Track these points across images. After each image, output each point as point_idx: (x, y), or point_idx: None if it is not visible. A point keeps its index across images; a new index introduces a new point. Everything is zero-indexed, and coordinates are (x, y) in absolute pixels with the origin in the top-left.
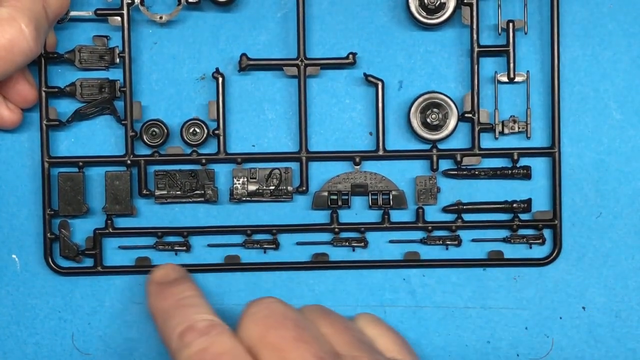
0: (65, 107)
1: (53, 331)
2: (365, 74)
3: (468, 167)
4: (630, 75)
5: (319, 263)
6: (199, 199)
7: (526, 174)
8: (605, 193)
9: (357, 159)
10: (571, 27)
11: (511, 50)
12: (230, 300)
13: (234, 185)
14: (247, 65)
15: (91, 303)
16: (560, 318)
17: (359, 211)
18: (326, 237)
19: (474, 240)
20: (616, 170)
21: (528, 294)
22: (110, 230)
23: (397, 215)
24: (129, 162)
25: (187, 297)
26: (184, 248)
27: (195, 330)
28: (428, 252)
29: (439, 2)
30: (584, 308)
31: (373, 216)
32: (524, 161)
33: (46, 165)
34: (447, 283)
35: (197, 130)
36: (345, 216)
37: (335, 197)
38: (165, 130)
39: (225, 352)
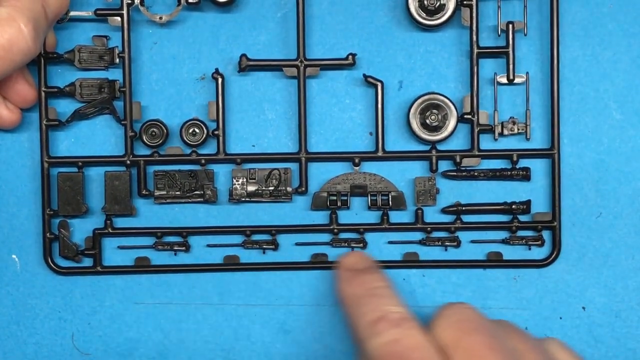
0: (65, 107)
1: (53, 331)
2: (364, 75)
3: (467, 168)
4: (630, 75)
5: (318, 263)
6: (198, 199)
7: (525, 176)
8: (605, 193)
9: (357, 160)
10: (571, 27)
11: (511, 52)
12: (230, 300)
13: (234, 186)
14: (246, 65)
15: (91, 303)
16: (560, 318)
17: (358, 212)
18: (325, 237)
19: (473, 242)
20: (616, 170)
21: (528, 294)
22: (110, 230)
23: (396, 216)
24: (128, 162)
25: (379, 287)
26: (183, 248)
27: (387, 321)
28: (427, 253)
29: (438, 4)
30: (584, 308)
31: (372, 217)
32: (523, 162)
33: (46, 165)
34: (447, 283)
35: (197, 130)
36: (345, 217)
37: (334, 197)
38: (165, 131)
39: (416, 348)
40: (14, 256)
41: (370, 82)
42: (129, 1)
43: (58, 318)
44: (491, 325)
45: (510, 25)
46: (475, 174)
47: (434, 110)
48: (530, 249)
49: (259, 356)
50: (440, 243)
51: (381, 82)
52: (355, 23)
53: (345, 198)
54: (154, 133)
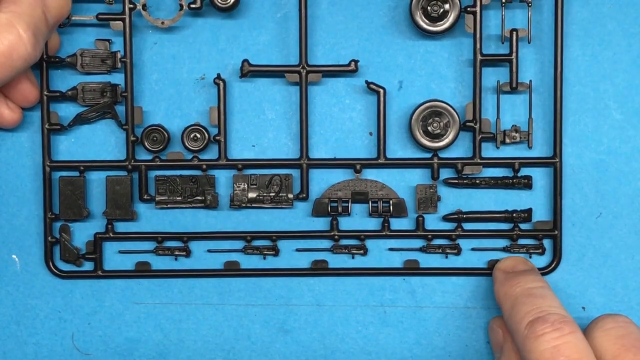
0: (67, 110)
1: (53, 331)
2: (367, 82)
3: (469, 176)
4: (630, 75)
5: (319, 270)
6: (199, 205)
7: (527, 184)
8: (605, 193)
9: (358, 167)
10: (571, 27)
11: (514, 60)
12: (230, 300)
13: (234, 192)
14: (248, 71)
15: (91, 303)
16: None
17: (359, 218)
18: (326, 244)
19: (473, 249)
20: (616, 170)
21: None
22: (111, 235)
23: (397, 223)
24: (129, 167)
25: (536, 288)
26: (184, 253)
27: (546, 322)
28: (428, 260)
29: (441, 10)
30: (584, 308)
31: (373, 224)
32: (525, 170)
33: (47, 169)
34: (447, 283)
35: (198, 135)
36: (345, 223)
37: (335, 204)
38: (166, 136)
39: (579, 359)
40: (14, 256)
41: (372, 88)
42: (131, 6)
43: (58, 318)
44: None
45: (514, 33)
46: (477, 181)
47: (436, 118)
48: (531, 257)
49: (259, 356)
50: (440, 250)
51: (383, 88)
52: (357, 27)
53: (346, 204)
54: (155, 138)
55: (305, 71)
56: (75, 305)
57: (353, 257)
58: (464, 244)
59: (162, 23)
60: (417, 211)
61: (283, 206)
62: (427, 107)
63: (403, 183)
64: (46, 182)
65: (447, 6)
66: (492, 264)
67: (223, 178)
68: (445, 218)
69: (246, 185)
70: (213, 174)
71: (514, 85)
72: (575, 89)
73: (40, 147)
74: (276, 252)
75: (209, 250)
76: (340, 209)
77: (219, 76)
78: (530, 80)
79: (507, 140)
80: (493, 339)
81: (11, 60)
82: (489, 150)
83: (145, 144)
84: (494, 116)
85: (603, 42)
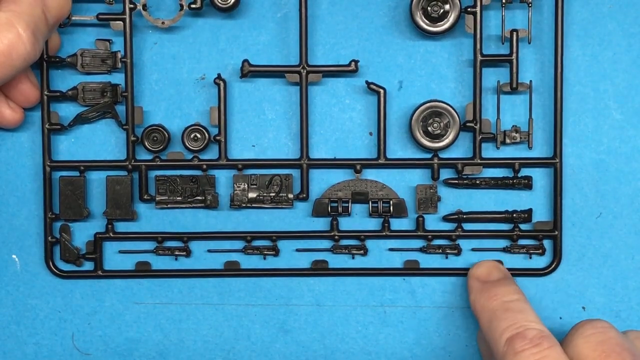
0: (67, 110)
1: (53, 331)
2: (367, 82)
3: (469, 176)
4: (630, 75)
5: (319, 270)
6: (199, 205)
7: (527, 184)
8: (605, 193)
9: (358, 167)
10: (571, 27)
11: (514, 60)
12: (230, 300)
13: (235, 192)
14: (248, 71)
15: (91, 303)
16: (560, 318)
17: (359, 219)
18: (326, 244)
19: (473, 250)
20: (616, 170)
21: (528, 294)
22: (111, 235)
23: (397, 224)
24: (130, 167)
25: (514, 301)
26: (184, 253)
27: (525, 339)
28: (428, 260)
29: (442, 11)
30: (584, 308)
31: (373, 224)
32: (525, 171)
33: (48, 169)
34: (447, 283)
35: (199, 135)
36: (345, 223)
37: (335, 204)
38: (167, 136)
39: None
40: (14, 256)
41: (372, 89)
42: (131, 6)
43: (58, 318)
44: (631, 347)
45: (514, 34)
46: (477, 182)
47: (437, 118)
48: (531, 257)
49: (259, 356)
50: (441, 251)
51: (383, 89)
52: (357, 27)
53: (347, 205)
54: (155, 138)
55: (305, 71)
56: (75, 305)
57: (353, 257)
58: (464, 244)
59: (162, 23)
60: (417, 211)
61: (283, 206)
62: (427, 107)
63: (403, 183)
64: (46, 182)
65: (447, 6)
66: None
67: (223, 178)
68: (445, 218)
69: (246, 185)
70: (213, 174)
71: (514, 85)
72: (575, 89)
73: (41, 147)
74: (276, 252)
75: (209, 250)
76: (340, 209)
77: (219, 76)
78: (531, 81)
79: (507, 141)
80: (483, 350)
81: (10, 59)
82: (489, 151)
83: (146, 144)
84: (494, 116)
85: (603, 42)
